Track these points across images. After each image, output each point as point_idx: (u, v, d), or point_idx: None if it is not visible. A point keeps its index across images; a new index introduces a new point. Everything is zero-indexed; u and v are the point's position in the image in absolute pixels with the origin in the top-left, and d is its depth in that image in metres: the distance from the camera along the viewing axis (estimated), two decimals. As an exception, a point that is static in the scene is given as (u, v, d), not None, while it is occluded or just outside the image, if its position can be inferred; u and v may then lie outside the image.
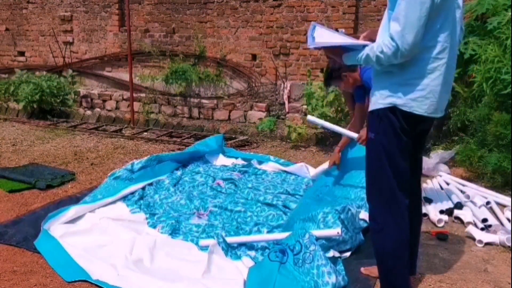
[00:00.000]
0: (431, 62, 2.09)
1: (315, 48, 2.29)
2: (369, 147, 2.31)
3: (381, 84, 2.20)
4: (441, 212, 3.50)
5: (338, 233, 2.75)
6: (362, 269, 2.72)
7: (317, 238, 2.70)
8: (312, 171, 4.23)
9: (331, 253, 2.79)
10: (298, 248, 2.50)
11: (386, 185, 2.25)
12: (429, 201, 3.68)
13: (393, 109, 2.16)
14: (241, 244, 2.95)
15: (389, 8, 2.08)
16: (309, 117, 3.63)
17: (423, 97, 2.11)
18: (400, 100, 2.13)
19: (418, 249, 2.60)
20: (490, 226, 3.28)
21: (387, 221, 2.27)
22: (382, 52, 2.03)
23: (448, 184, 4.12)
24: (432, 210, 3.51)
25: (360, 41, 2.19)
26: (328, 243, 2.81)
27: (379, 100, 2.20)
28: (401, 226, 2.27)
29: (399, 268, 2.32)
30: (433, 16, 2.02)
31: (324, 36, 2.20)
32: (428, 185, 4.09)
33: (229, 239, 2.96)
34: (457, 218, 3.46)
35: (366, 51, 2.10)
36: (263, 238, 2.96)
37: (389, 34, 2.02)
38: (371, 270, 2.65)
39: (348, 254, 2.88)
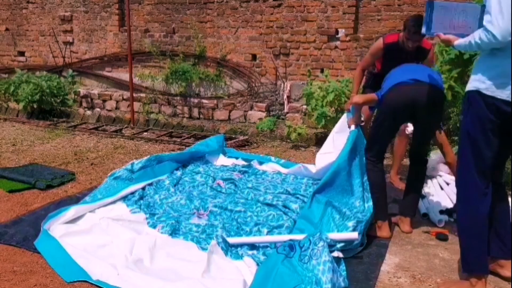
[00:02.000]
0: None
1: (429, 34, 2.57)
2: (461, 127, 2.51)
3: (475, 69, 2.40)
4: (441, 212, 3.50)
5: (356, 237, 2.83)
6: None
7: (334, 241, 2.77)
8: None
9: (335, 253, 2.79)
10: (307, 245, 2.52)
11: (465, 167, 2.40)
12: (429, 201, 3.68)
13: (483, 96, 2.29)
14: (241, 244, 2.95)
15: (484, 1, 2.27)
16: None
17: (506, 83, 2.24)
18: (483, 85, 2.30)
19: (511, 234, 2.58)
20: (490, 226, 3.28)
21: (462, 202, 2.46)
22: (480, 38, 2.25)
23: (448, 184, 4.11)
24: (432, 210, 3.52)
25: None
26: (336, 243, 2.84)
27: (469, 83, 2.40)
28: (473, 210, 2.41)
29: (473, 246, 2.43)
30: None
31: (443, 23, 2.50)
32: (428, 185, 4.09)
33: (248, 239, 2.98)
34: (457, 218, 3.47)
35: (469, 38, 2.33)
36: (279, 239, 2.93)
37: (483, 24, 2.23)
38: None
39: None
